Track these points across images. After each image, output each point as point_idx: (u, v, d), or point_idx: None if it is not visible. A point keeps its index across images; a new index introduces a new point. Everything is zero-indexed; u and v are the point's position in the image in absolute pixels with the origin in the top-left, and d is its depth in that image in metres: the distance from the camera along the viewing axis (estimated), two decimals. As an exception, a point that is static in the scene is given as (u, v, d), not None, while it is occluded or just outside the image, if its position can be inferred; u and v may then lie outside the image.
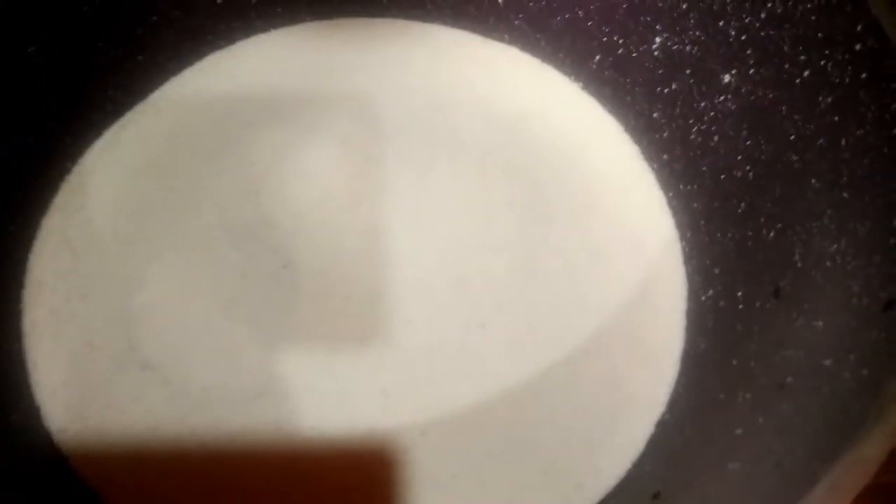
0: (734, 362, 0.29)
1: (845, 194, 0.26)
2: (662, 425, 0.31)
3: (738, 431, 0.25)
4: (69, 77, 0.36)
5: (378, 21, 0.43)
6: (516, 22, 0.42)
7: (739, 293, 0.31)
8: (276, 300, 0.32)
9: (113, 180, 0.36)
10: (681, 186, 0.37)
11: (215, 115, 0.38)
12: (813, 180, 0.28)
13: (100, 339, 0.32)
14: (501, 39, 0.43)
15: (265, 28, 0.42)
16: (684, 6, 0.35)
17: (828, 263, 0.26)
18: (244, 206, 0.34)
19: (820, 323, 0.24)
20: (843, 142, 0.27)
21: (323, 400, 0.31)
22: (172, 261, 0.33)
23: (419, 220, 0.35)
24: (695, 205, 0.36)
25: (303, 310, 0.32)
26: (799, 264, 0.28)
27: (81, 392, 0.31)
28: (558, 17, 0.40)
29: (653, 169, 0.38)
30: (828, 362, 0.22)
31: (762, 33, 0.31)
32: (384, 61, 0.41)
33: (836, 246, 0.26)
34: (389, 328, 0.32)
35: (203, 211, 0.34)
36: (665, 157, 0.38)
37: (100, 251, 0.33)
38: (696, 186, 0.36)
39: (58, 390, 0.31)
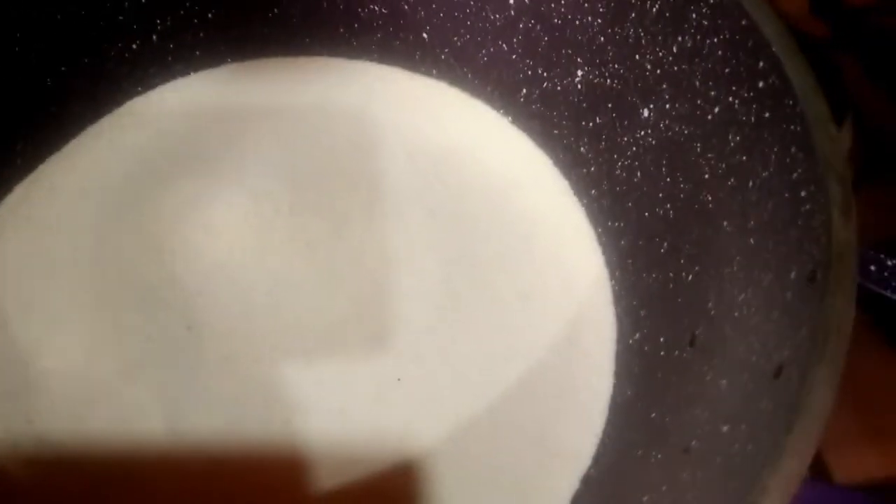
0: (653, 415, 0.28)
1: (752, 240, 0.25)
2: (588, 481, 0.30)
3: (645, 498, 0.23)
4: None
5: (301, 60, 0.42)
6: (443, 56, 0.41)
7: (662, 338, 0.30)
8: (180, 364, 0.31)
9: (19, 239, 0.35)
10: (609, 223, 0.36)
11: (127, 167, 0.36)
12: (725, 223, 0.27)
13: (-5, 413, 0.30)
14: (429, 74, 0.42)
15: (185, 72, 0.41)
16: (602, 39, 0.34)
17: (736, 314, 0.24)
18: (148, 264, 0.33)
19: (724, 381, 0.23)
20: (751, 183, 0.26)
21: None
22: (74, 325, 0.32)
23: (332, 273, 0.33)
24: (622, 242, 0.35)
25: (208, 373, 0.31)
26: (712, 312, 0.26)
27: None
28: (483, 51, 0.39)
29: (582, 204, 0.37)
30: (725, 428, 0.21)
31: (675, 67, 0.30)
32: (307, 102, 0.40)
33: (743, 295, 0.24)
34: (299, 389, 0.31)
35: (107, 271, 0.33)
36: (593, 192, 0.37)
37: (-1, 316, 0.32)
38: (622, 223, 0.35)
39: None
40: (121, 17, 0.38)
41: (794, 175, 0.23)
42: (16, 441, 0.30)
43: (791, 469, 0.17)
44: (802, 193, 0.22)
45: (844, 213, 0.20)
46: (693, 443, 0.23)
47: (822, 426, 0.17)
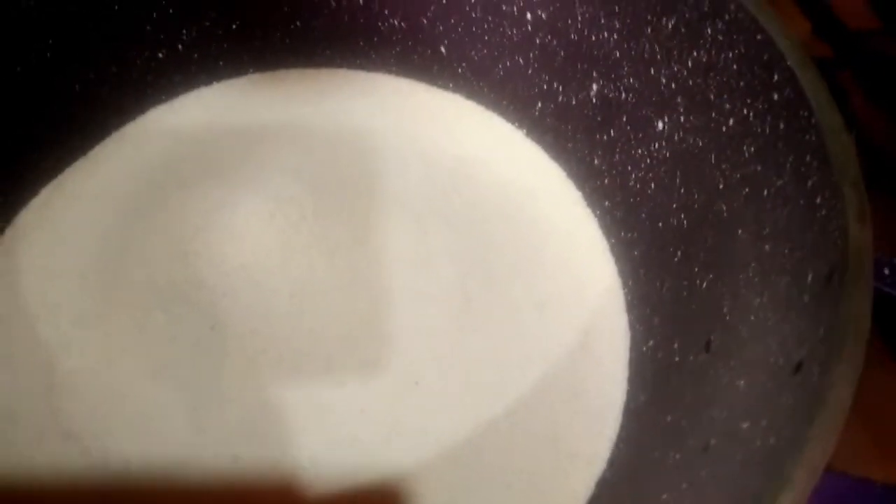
0: (668, 418, 0.28)
1: (767, 246, 0.26)
2: (603, 484, 0.30)
3: (664, 496, 0.24)
4: (2, 135, 0.36)
5: (322, 71, 0.43)
6: (460, 70, 0.42)
7: (675, 345, 0.31)
8: (203, 363, 0.31)
9: (45, 242, 0.35)
10: (622, 233, 0.36)
11: (151, 173, 0.37)
12: (740, 230, 0.28)
13: (22, 409, 0.31)
14: (446, 87, 0.43)
15: (208, 81, 0.42)
16: (617, 54, 0.35)
17: (752, 318, 0.25)
18: (173, 267, 0.34)
19: (742, 382, 0.24)
20: (766, 192, 0.27)
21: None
22: (100, 325, 0.32)
23: (352, 278, 0.34)
24: (635, 252, 0.35)
25: (230, 373, 0.31)
26: (727, 317, 0.27)
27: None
28: (500, 65, 0.40)
29: (595, 215, 0.38)
30: (745, 426, 0.22)
31: (690, 81, 0.31)
32: (327, 112, 0.41)
33: (759, 300, 0.25)
34: (320, 390, 0.31)
35: (132, 273, 0.34)
36: (606, 203, 0.37)
37: (25, 316, 0.33)
38: (636, 234, 0.35)
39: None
40: (148, 28, 0.39)
41: (809, 182, 0.24)
42: (42, 438, 0.30)
43: (814, 460, 0.17)
44: (818, 200, 0.23)
45: (860, 218, 0.21)
46: (712, 441, 0.23)
47: (844, 417, 0.18)
